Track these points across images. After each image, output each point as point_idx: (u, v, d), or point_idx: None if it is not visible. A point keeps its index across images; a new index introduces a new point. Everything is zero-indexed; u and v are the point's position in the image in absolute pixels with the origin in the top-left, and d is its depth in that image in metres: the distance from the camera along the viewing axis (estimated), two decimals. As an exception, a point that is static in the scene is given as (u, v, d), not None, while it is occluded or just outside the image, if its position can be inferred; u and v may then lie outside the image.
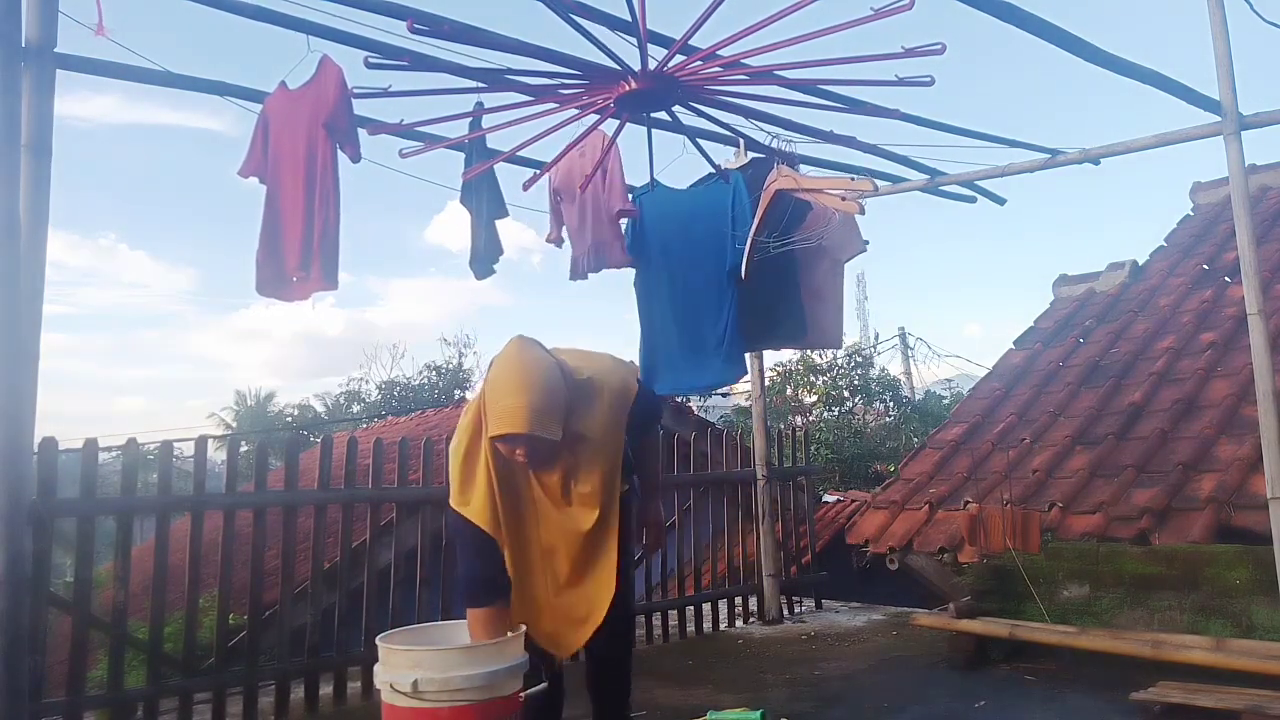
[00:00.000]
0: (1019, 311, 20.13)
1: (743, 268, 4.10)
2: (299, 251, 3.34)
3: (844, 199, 3.87)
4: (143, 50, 3.25)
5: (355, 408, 25.77)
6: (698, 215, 4.35)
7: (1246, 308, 3.51)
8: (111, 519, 3.80)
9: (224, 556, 3.95)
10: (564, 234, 4.30)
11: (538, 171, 3.92)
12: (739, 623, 5.81)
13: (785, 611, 5.91)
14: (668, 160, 4.14)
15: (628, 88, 2.98)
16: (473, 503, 2.70)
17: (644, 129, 3.61)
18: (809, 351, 15.39)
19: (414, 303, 61.89)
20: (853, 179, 4.00)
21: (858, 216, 4.21)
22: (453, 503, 2.75)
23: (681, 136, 3.94)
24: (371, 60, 3.00)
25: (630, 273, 4.44)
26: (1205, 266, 6.15)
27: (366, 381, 26.53)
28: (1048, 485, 4.55)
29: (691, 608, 5.55)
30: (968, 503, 4.39)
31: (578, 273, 4.26)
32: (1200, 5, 3.44)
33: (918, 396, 19.53)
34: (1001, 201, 5.41)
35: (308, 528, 4.31)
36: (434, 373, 25.08)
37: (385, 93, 3.24)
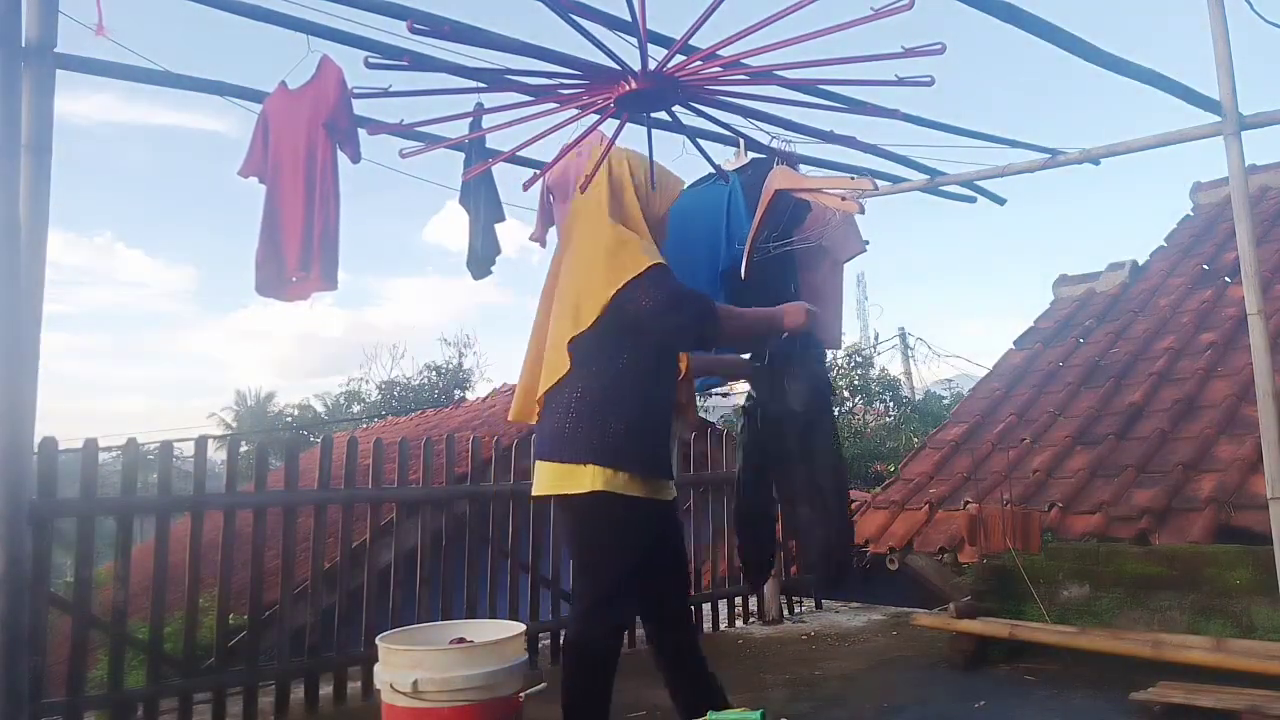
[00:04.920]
0: (1019, 311, 20.12)
1: (743, 268, 4.10)
2: (299, 251, 3.34)
3: (844, 199, 3.86)
4: (143, 50, 3.25)
5: (355, 408, 25.78)
6: (694, 216, 4.34)
7: (1246, 308, 3.50)
8: (111, 519, 3.80)
9: (224, 556, 3.95)
10: (549, 233, 4.29)
11: (537, 171, 3.91)
12: (739, 623, 5.81)
13: (785, 611, 5.91)
14: (668, 160, 4.12)
15: (628, 88, 2.96)
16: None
17: (644, 129, 3.60)
18: (809, 351, 15.34)
19: (414, 303, 62.06)
20: (852, 178, 3.99)
21: (857, 217, 4.21)
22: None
23: (681, 136, 3.93)
24: (371, 60, 2.99)
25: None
26: (1205, 266, 6.15)
27: (366, 381, 26.53)
28: (1048, 485, 4.56)
29: (691, 608, 5.53)
30: (968, 503, 4.40)
31: None
32: (1200, 5, 3.44)
33: (918, 396, 19.50)
34: (1001, 201, 5.40)
35: (308, 528, 4.31)
36: (434, 373, 25.07)
37: (385, 93, 3.23)
